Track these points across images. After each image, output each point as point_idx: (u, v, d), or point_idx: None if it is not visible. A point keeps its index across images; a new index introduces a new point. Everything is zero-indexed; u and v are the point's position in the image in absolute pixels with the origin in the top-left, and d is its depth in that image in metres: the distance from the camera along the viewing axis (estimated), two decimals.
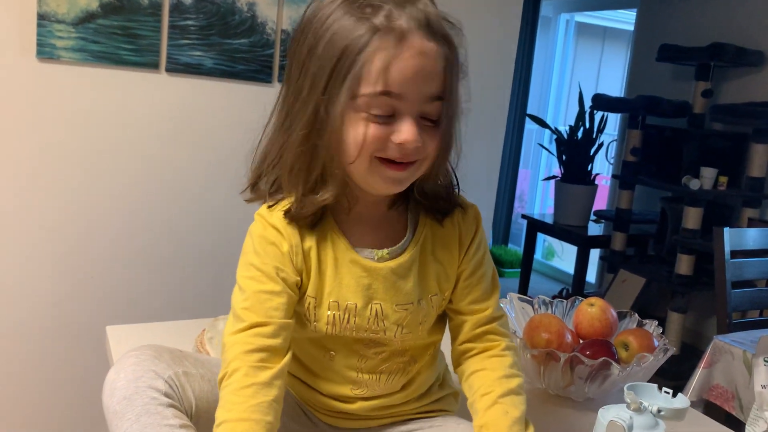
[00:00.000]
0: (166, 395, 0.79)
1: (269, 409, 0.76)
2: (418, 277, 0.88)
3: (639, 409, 0.77)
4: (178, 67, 1.79)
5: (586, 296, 1.28)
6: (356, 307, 0.85)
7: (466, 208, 0.92)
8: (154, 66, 1.76)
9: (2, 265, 1.68)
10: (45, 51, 1.64)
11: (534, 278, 4.15)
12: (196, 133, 1.84)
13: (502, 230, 4.67)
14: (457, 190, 0.91)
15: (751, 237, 2.06)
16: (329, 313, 0.85)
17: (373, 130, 0.76)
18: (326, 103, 0.76)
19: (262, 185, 0.87)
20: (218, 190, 1.88)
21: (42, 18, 1.61)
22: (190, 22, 1.77)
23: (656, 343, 1.14)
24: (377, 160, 0.78)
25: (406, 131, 0.76)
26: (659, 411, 0.77)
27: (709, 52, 2.85)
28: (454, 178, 0.90)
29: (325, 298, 0.85)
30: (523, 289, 3.71)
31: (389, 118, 0.76)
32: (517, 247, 4.63)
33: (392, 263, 0.86)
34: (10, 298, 1.69)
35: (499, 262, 4.38)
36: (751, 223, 2.78)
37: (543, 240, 4.70)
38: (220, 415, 0.76)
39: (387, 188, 0.82)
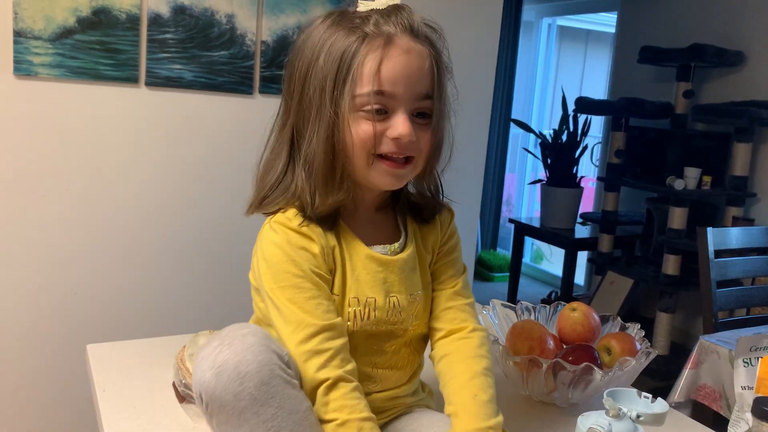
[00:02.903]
0: (294, 377, 0.79)
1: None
2: (419, 267, 0.97)
3: (618, 415, 0.76)
4: (157, 81, 1.78)
5: (574, 299, 1.28)
6: (375, 301, 0.91)
7: (446, 208, 1.02)
8: (133, 80, 1.76)
9: None
10: (22, 68, 1.63)
11: (523, 282, 4.16)
12: (178, 146, 1.83)
13: (490, 234, 4.67)
14: (441, 196, 1.00)
15: (735, 236, 2.07)
16: (350, 309, 0.90)
17: (371, 127, 0.84)
18: (335, 108, 0.84)
19: (272, 198, 0.92)
20: (202, 203, 1.87)
21: (18, 35, 1.60)
22: (168, 36, 1.77)
23: (638, 346, 1.14)
24: (377, 158, 0.86)
25: (399, 126, 0.84)
26: (638, 416, 0.77)
27: (690, 53, 2.87)
28: (440, 184, 0.99)
29: (347, 294, 0.90)
30: (512, 293, 3.72)
31: (384, 116, 0.85)
32: (505, 251, 4.63)
33: (403, 255, 0.94)
34: None
35: (488, 267, 4.39)
36: (736, 221, 2.79)
37: (531, 243, 4.71)
38: (340, 415, 0.80)
39: (388, 183, 0.89)
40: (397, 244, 0.95)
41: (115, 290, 1.81)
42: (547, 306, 1.31)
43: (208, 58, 1.82)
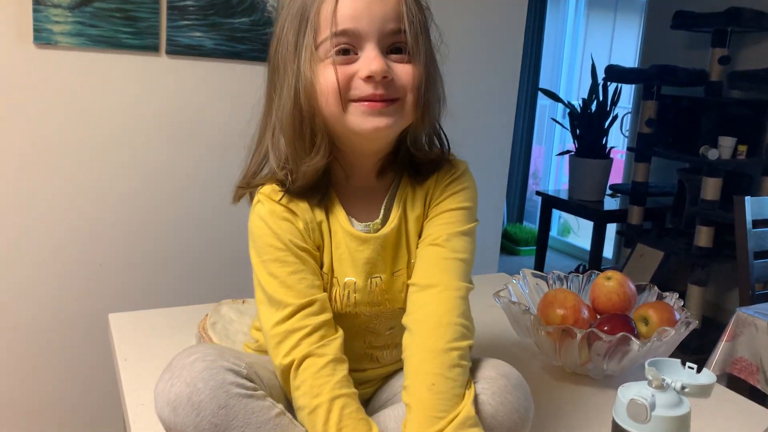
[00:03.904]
0: (254, 389, 0.74)
1: (349, 381, 0.77)
2: (406, 238, 0.88)
3: (661, 386, 0.72)
4: (178, 49, 1.75)
5: (603, 271, 1.23)
6: (355, 283, 0.85)
7: (450, 161, 0.91)
8: (153, 49, 1.72)
9: (5, 252, 1.66)
10: (42, 36, 1.60)
11: (550, 255, 4.10)
12: (199, 115, 1.81)
13: (517, 208, 4.61)
14: (447, 148, 0.90)
15: None
16: (333, 290, 0.85)
17: (338, 71, 0.77)
18: (298, 63, 0.78)
19: (257, 178, 0.87)
20: (222, 173, 1.85)
21: (38, 3, 1.57)
22: (189, 3, 1.72)
23: (677, 316, 1.09)
24: (353, 104, 0.78)
25: (369, 63, 0.76)
26: (683, 388, 0.73)
27: (726, 17, 2.76)
28: (442, 135, 0.89)
29: (332, 273, 0.85)
30: (539, 266, 3.67)
31: (352, 57, 0.77)
32: (532, 225, 4.57)
33: (385, 230, 0.86)
34: (13, 285, 1.68)
35: (514, 240, 4.33)
36: None
37: (558, 216, 4.64)
38: (308, 401, 0.75)
39: (372, 128, 0.79)
40: (378, 220, 0.87)
41: (138, 259, 1.80)
42: (580, 275, 1.26)
43: (229, 26, 1.78)
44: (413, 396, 0.76)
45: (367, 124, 0.78)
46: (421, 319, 0.81)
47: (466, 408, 0.74)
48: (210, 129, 1.82)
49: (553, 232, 4.56)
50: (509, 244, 4.33)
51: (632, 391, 0.73)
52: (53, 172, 1.68)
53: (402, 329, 0.85)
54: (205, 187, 1.84)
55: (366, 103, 0.78)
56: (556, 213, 4.25)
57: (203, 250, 1.87)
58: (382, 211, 0.88)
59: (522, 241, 4.31)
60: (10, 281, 1.67)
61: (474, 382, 0.78)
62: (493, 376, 0.79)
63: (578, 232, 4.63)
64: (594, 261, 3.36)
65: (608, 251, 3.87)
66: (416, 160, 0.88)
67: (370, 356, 0.90)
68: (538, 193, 3.75)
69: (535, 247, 3.79)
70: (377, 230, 0.86)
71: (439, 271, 0.84)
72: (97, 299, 1.76)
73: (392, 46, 0.79)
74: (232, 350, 0.81)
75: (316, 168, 0.81)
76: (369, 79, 0.77)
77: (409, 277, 0.87)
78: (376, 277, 0.85)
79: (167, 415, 0.71)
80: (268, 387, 0.78)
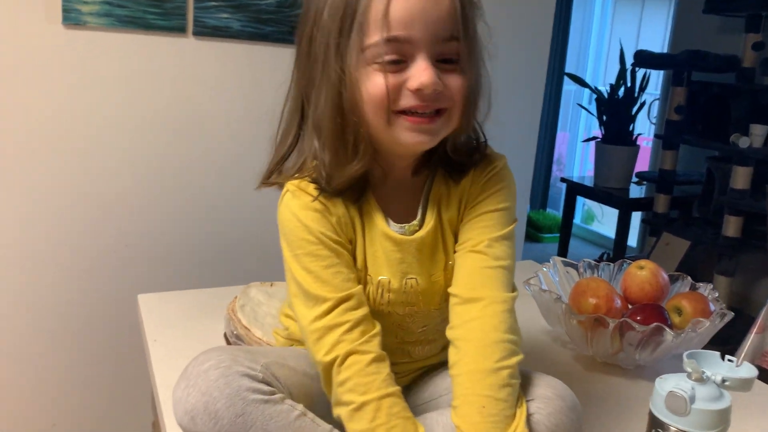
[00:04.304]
0: (271, 392, 0.73)
1: (393, 378, 0.76)
2: (443, 242, 0.85)
3: (701, 379, 0.71)
4: (205, 30, 1.74)
5: (632, 260, 1.21)
6: (390, 282, 0.82)
7: (488, 155, 0.87)
8: (181, 30, 1.72)
9: (32, 230, 1.67)
10: (71, 17, 1.60)
11: (573, 243, 4.06)
12: (226, 96, 1.80)
13: (540, 195, 4.57)
14: (484, 141, 0.86)
15: None
16: (367, 288, 0.83)
17: (386, 80, 0.72)
18: (341, 64, 0.73)
19: (285, 168, 0.84)
20: (251, 154, 1.84)
21: None
22: None
23: (712, 307, 1.07)
24: (397, 115, 0.74)
25: (420, 75, 0.71)
26: (723, 381, 0.71)
27: (761, 0, 2.69)
28: (481, 133, 0.85)
29: (364, 271, 0.82)
30: (563, 254, 3.63)
31: (402, 65, 0.72)
32: (555, 212, 4.53)
33: (421, 233, 0.83)
34: (40, 264, 1.69)
35: (537, 227, 4.30)
36: None
37: (582, 204, 4.60)
38: (354, 398, 0.73)
39: (417, 142, 0.76)
40: (416, 221, 0.84)
41: (166, 240, 1.80)
42: (611, 264, 1.24)
43: (256, 7, 1.77)
44: (463, 419, 0.74)
45: (411, 139, 0.76)
46: (466, 337, 0.79)
47: (519, 429, 0.73)
48: (236, 110, 1.82)
49: (577, 220, 4.51)
50: (532, 231, 4.30)
51: (671, 383, 0.72)
52: (81, 151, 1.68)
53: (436, 327, 0.84)
54: (234, 167, 1.84)
55: (411, 117, 0.74)
56: (579, 200, 4.21)
57: (232, 231, 1.87)
58: (419, 212, 0.85)
59: (545, 228, 4.28)
60: (37, 260, 1.69)
61: (528, 400, 0.76)
62: (550, 396, 0.77)
63: (602, 219, 4.58)
64: (618, 249, 3.32)
65: (632, 240, 3.83)
66: (455, 161, 0.85)
67: (402, 350, 0.89)
68: (562, 179, 3.71)
69: (558, 234, 3.76)
70: (413, 232, 0.84)
71: (482, 281, 0.81)
72: (124, 280, 1.77)
73: (442, 56, 0.74)
74: (247, 350, 0.79)
75: (358, 174, 0.78)
76: (418, 91, 0.73)
77: (446, 279, 0.85)
78: (412, 278, 0.83)
79: (186, 423, 0.71)
80: (287, 387, 0.77)
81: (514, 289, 0.83)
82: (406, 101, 0.73)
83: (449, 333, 0.81)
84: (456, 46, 0.73)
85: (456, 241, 0.86)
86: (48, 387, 1.75)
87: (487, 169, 0.85)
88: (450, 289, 0.83)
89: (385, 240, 0.82)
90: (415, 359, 0.91)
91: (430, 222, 0.84)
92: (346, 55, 0.72)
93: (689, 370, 0.71)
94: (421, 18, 0.71)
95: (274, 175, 0.84)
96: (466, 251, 0.83)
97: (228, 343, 1.08)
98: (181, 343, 1.08)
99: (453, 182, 0.85)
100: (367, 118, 0.74)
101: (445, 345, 0.88)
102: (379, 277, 0.82)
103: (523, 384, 0.78)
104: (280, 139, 0.85)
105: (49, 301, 1.71)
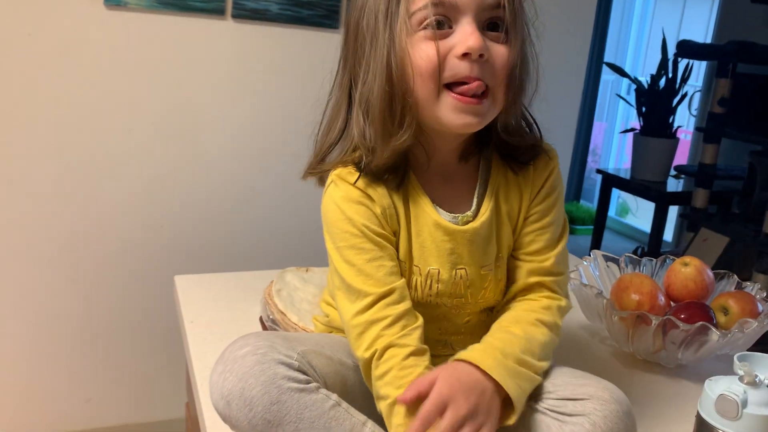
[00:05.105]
0: (307, 381, 0.72)
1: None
2: (497, 234, 0.84)
3: (754, 383, 0.68)
4: (244, 13, 1.73)
5: (666, 255, 1.18)
6: (439, 272, 0.81)
7: (546, 151, 0.87)
8: (220, 12, 1.71)
9: (72, 211, 1.69)
10: None
11: (607, 236, 4.00)
12: (264, 80, 1.80)
13: (575, 186, 4.50)
14: (539, 133, 0.85)
15: None
16: (412, 278, 0.81)
17: (433, 48, 0.72)
18: (390, 33, 0.73)
19: (330, 157, 0.83)
20: (287, 138, 1.84)
21: None
22: None
23: (760, 307, 1.04)
24: (445, 90, 0.74)
25: (467, 39, 0.71)
26: None
27: None
28: (531, 118, 0.84)
29: (410, 261, 0.81)
30: (596, 247, 3.58)
31: (448, 31, 0.73)
32: (589, 204, 4.46)
33: (475, 224, 0.82)
34: (78, 244, 1.71)
35: (571, 219, 4.24)
36: None
37: (617, 196, 4.52)
38: (391, 392, 0.73)
39: (463, 123, 0.75)
40: (469, 213, 0.82)
41: (202, 223, 1.81)
42: (654, 259, 1.21)
43: None
44: (475, 347, 0.78)
45: (458, 120, 0.75)
46: (512, 307, 0.85)
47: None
48: (274, 95, 1.81)
49: (611, 212, 4.44)
50: (566, 217, 4.24)
51: (721, 386, 0.69)
52: (118, 133, 1.69)
53: (480, 320, 0.84)
54: (272, 150, 1.84)
55: (458, 96, 0.74)
56: (614, 192, 4.14)
57: (271, 215, 1.87)
58: (474, 202, 0.83)
59: (578, 220, 4.22)
60: (78, 237, 1.71)
61: (584, 399, 0.75)
62: (607, 398, 0.74)
63: (637, 213, 4.50)
64: (654, 244, 3.25)
65: (668, 234, 3.75)
66: (511, 146, 0.83)
67: (444, 342, 0.88)
68: (598, 171, 3.64)
69: (591, 227, 3.70)
70: (467, 222, 0.82)
71: (549, 292, 0.86)
72: (161, 261, 1.79)
73: (488, 22, 0.74)
74: (285, 336, 0.78)
75: (402, 147, 0.77)
76: (465, 56, 0.72)
77: (497, 274, 0.85)
78: (462, 268, 0.82)
79: (222, 407, 0.71)
80: (322, 376, 0.76)
81: (567, 295, 0.87)
82: (454, 71, 0.73)
83: (497, 316, 0.84)
84: (502, 13, 0.73)
85: (513, 232, 0.86)
86: (85, 363, 1.77)
87: (549, 166, 0.86)
88: (508, 296, 0.87)
89: (436, 230, 0.81)
90: (457, 351, 0.90)
91: (485, 213, 0.83)
92: (395, 24, 0.73)
93: (741, 372, 0.69)
94: None
95: (320, 165, 0.84)
96: (524, 257, 0.86)
97: (263, 326, 1.08)
98: (217, 325, 1.08)
99: (512, 173, 0.84)
100: (416, 90, 0.74)
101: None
102: (429, 268, 0.81)
103: (576, 381, 0.77)
104: (326, 128, 0.84)
105: (88, 279, 1.73)
